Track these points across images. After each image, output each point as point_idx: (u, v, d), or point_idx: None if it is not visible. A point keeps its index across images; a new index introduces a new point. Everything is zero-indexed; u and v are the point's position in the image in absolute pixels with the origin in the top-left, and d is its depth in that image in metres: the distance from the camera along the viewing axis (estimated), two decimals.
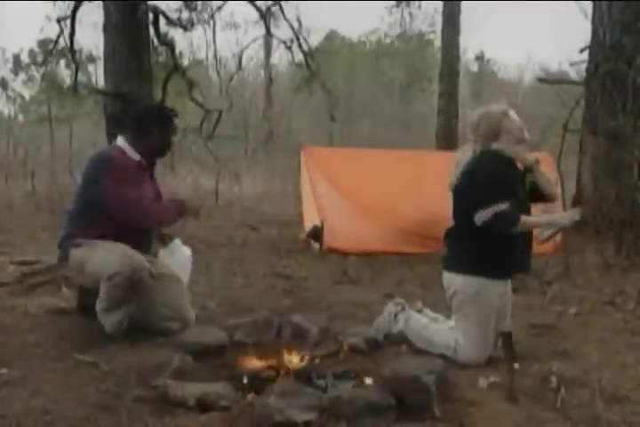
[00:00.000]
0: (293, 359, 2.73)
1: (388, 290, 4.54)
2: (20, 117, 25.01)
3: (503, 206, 2.74)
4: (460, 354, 2.87)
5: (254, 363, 2.70)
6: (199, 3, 11.40)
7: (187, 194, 3.38)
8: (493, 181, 2.82)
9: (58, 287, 4.16)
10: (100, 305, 3.03)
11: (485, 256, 2.87)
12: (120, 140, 3.24)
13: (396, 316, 3.14)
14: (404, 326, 3.09)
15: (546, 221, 2.91)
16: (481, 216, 2.77)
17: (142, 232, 3.28)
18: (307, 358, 2.75)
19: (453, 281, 2.94)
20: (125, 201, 3.04)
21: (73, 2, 9.27)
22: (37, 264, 4.70)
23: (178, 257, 3.44)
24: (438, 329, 3.03)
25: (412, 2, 17.66)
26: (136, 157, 3.21)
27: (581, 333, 3.46)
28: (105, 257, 2.97)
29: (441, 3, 13.55)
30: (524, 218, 2.79)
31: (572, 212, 2.94)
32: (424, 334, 3.03)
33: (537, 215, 2.92)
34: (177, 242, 3.48)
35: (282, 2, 11.03)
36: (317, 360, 2.76)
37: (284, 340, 3.02)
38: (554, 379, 2.64)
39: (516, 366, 2.62)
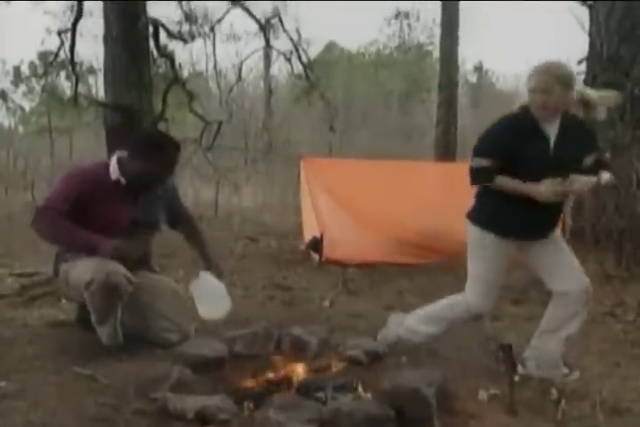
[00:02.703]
0: (293, 372, 2.72)
1: (387, 301, 4.54)
2: (20, 129, 25.10)
3: (483, 162, 2.79)
4: (464, 304, 2.97)
5: (254, 376, 2.69)
6: (199, 15, 11.48)
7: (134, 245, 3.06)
8: (487, 138, 2.85)
9: (57, 299, 4.15)
10: (92, 317, 3.02)
11: (496, 215, 2.90)
12: (113, 157, 3.19)
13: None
14: (403, 328, 3.13)
15: (524, 191, 2.78)
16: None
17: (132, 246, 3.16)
18: (306, 370, 2.74)
19: (468, 229, 3.01)
20: (43, 206, 2.96)
21: (74, 15, 9.34)
22: (37, 276, 4.71)
23: (206, 290, 3.25)
24: (431, 307, 3.11)
25: (410, 13, 17.78)
26: (114, 175, 3.11)
27: (582, 344, 3.45)
28: (81, 268, 2.95)
29: (439, 14, 13.62)
30: (501, 180, 2.79)
31: (550, 191, 2.73)
32: (423, 317, 3.10)
33: (523, 183, 2.78)
34: (203, 274, 3.31)
35: (281, 14, 11.12)
36: (317, 373, 2.75)
37: (283, 352, 3.01)
38: (554, 391, 2.64)
39: (517, 378, 2.61)
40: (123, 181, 3.12)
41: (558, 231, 3.08)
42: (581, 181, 2.73)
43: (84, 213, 3.00)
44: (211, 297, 3.23)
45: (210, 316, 3.21)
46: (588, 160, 2.85)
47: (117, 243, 2.97)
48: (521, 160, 2.75)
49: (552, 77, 2.71)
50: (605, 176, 2.82)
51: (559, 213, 2.98)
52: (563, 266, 2.95)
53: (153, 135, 3.32)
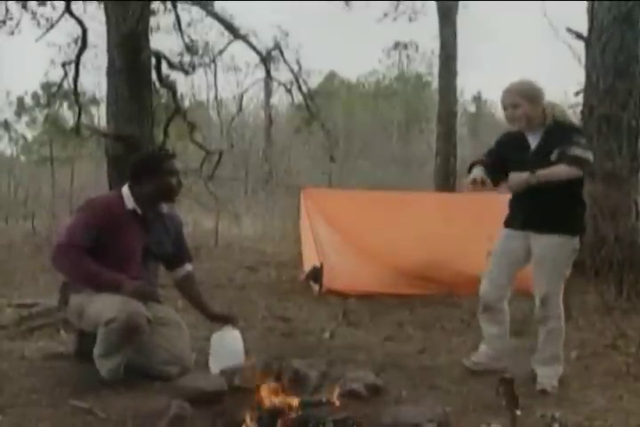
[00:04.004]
0: (292, 406, 2.69)
1: (387, 333, 4.51)
2: (22, 158, 25.25)
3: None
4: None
5: (253, 410, 2.66)
6: (200, 46, 11.65)
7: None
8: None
9: (56, 331, 4.13)
10: (97, 350, 3.01)
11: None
12: (125, 187, 3.24)
13: None
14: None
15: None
16: None
17: (138, 278, 3.19)
18: (306, 404, 2.71)
19: None
20: (64, 243, 3.01)
21: (78, 47, 9.49)
22: (36, 307, 4.68)
23: (227, 342, 3.32)
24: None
25: (409, 44, 18.08)
26: (130, 204, 3.17)
27: (584, 377, 3.42)
28: (103, 303, 2.95)
29: (437, 46, 13.81)
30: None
31: (516, 183, 3.07)
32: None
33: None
34: (228, 328, 3.38)
35: (282, 46, 11.25)
36: (317, 407, 2.71)
37: (283, 385, 2.98)
38: (557, 426, 2.61)
39: (518, 412, 2.58)
40: (139, 210, 3.18)
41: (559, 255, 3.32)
42: (513, 178, 3.08)
43: (101, 244, 3.04)
44: (224, 354, 3.26)
45: (216, 370, 3.18)
46: (554, 155, 3.06)
47: (140, 285, 3.05)
48: (508, 164, 3.21)
49: (517, 93, 3.17)
50: (556, 170, 3.01)
51: (535, 205, 3.17)
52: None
53: (143, 155, 3.56)
